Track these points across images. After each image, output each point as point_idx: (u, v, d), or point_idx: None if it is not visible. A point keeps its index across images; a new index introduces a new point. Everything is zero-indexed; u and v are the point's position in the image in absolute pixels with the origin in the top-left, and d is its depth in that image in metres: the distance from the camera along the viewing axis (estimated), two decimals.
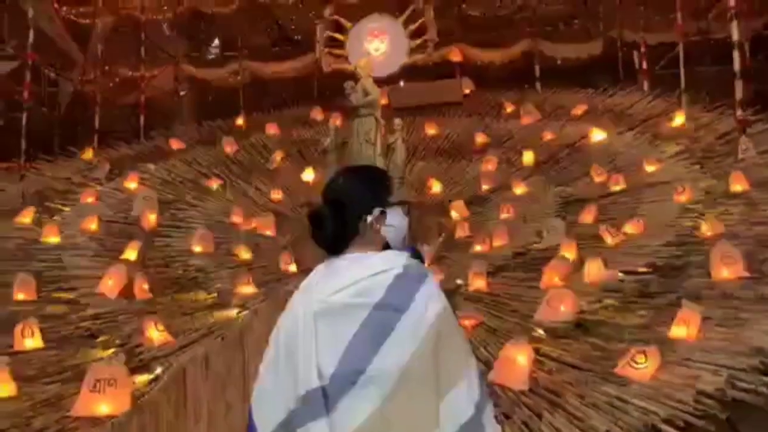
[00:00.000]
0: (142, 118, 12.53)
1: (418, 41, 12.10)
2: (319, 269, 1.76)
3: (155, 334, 5.24)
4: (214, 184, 9.44)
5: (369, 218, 1.73)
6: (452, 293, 5.80)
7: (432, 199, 9.06)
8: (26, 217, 8.07)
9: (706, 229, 6.29)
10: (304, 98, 13.17)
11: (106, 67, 13.34)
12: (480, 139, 10.45)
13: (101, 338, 5.43)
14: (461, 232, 7.83)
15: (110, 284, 6.30)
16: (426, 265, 4.54)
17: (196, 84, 14.84)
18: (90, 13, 13.63)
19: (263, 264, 7.29)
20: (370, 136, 8.53)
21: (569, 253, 6.32)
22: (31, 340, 5.23)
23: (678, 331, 4.60)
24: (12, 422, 4.09)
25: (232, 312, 5.91)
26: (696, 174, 7.88)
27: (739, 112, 8.73)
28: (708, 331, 4.59)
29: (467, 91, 12.67)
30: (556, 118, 10.74)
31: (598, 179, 8.35)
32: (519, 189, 8.68)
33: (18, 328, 5.24)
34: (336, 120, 10.11)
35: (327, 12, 12.32)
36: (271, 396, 1.68)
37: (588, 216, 7.36)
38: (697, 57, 11.62)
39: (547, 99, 11.64)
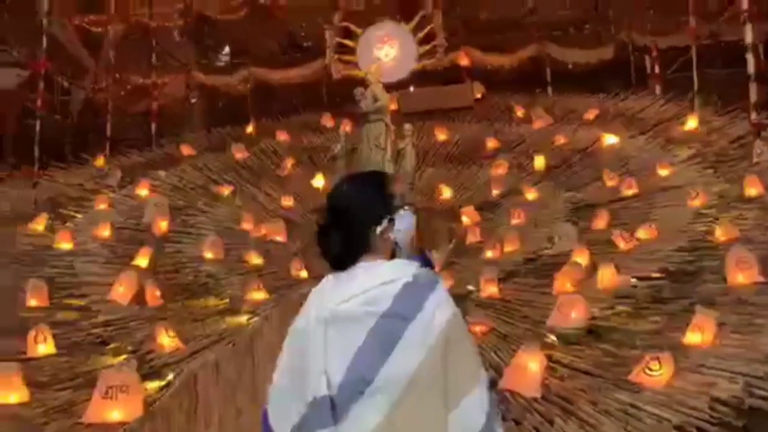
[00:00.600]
0: (153, 126, 12.59)
1: (428, 47, 12.12)
2: (331, 276, 1.75)
3: (166, 340, 5.26)
4: (225, 190, 9.46)
5: (378, 229, 1.71)
6: (463, 299, 5.77)
7: (442, 205, 9.02)
8: (39, 224, 8.15)
9: (719, 234, 6.23)
10: (314, 105, 13.13)
11: (117, 75, 13.42)
12: (490, 143, 10.39)
13: (113, 345, 5.48)
14: (472, 238, 7.79)
15: (121, 291, 6.33)
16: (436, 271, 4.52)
17: (206, 91, 14.90)
18: (102, 21, 13.75)
19: (274, 270, 7.30)
20: (380, 142, 8.53)
21: (582, 258, 6.28)
22: (44, 346, 5.27)
23: (693, 337, 4.56)
24: (25, 428, 4.11)
25: (243, 318, 5.93)
26: (709, 178, 7.82)
27: (753, 116, 8.66)
28: (723, 338, 4.54)
29: (479, 96, 12.62)
30: (568, 122, 10.68)
31: (610, 184, 8.30)
32: (530, 194, 8.63)
33: (31, 334, 5.28)
34: (346, 126, 10.10)
35: (336, 18, 12.37)
36: (286, 399, 1.69)
37: (600, 221, 7.31)
38: (707, 60, 11.53)
39: (558, 103, 11.58)
